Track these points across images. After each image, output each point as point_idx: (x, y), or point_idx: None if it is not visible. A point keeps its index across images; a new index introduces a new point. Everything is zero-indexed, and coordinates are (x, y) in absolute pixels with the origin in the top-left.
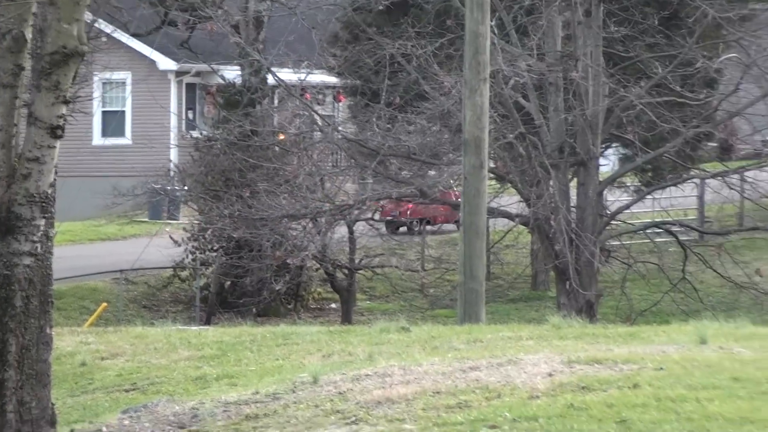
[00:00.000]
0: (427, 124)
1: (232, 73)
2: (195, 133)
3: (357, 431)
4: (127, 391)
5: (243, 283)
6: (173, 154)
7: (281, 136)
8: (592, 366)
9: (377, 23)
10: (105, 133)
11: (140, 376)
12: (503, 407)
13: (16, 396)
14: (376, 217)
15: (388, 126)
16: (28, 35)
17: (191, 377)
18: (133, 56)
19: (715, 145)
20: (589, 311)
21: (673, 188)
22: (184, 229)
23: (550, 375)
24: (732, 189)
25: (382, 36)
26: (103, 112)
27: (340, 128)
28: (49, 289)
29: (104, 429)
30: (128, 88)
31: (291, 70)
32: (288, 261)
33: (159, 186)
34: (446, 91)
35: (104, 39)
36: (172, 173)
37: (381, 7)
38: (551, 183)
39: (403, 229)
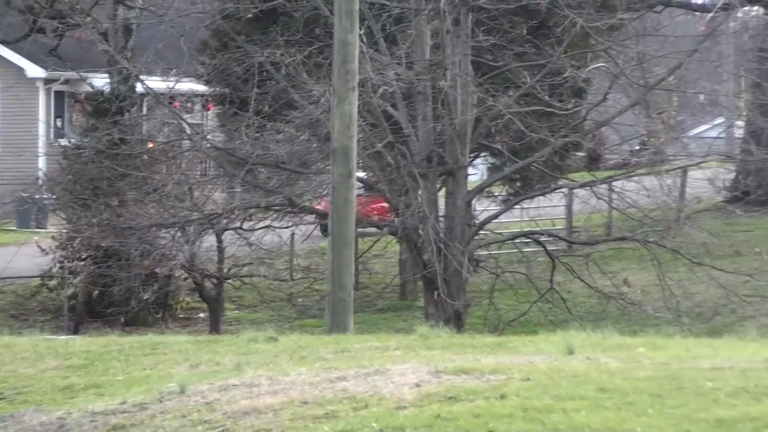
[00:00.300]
0: (296, 133)
1: (100, 81)
2: (64, 141)
3: None
4: None
5: (111, 293)
6: (42, 163)
7: (150, 145)
8: (460, 376)
9: (246, 31)
10: None
11: (7, 386)
12: (370, 417)
13: None
14: (245, 225)
15: (257, 135)
16: None
17: (59, 387)
18: (0, 64)
19: (583, 154)
20: (457, 321)
21: (541, 198)
22: (53, 237)
23: (418, 385)
24: (600, 199)
25: (251, 44)
26: None
27: (208, 137)
28: None
29: None
30: None
31: (160, 78)
32: (156, 270)
33: (27, 194)
34: (315, 99)
35: None
36: (40, 182)
37: (250, 16)
38: (419, 192)
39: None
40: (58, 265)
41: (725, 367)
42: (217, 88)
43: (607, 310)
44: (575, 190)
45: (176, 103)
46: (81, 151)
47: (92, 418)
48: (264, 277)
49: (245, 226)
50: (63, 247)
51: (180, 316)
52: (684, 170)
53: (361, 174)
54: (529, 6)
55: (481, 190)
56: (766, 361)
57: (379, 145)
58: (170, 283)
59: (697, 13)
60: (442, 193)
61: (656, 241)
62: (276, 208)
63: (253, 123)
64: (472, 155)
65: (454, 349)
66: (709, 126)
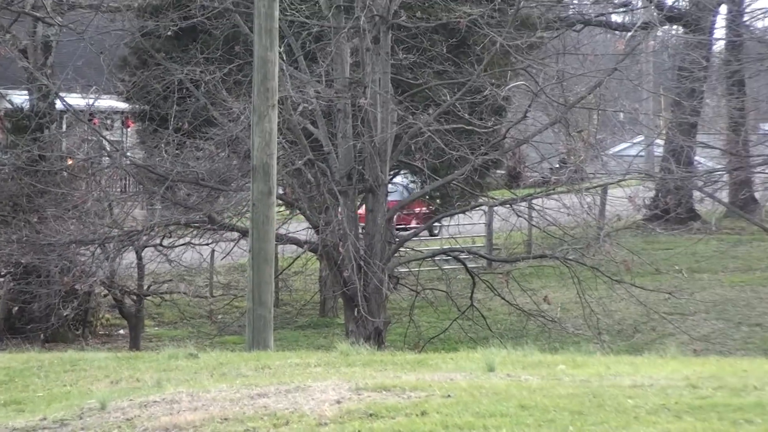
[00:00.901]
0: (216, 150)
1: (20, 97)
2: None
3: None
4: None
5: (31, 309)
6: None
7: (70, 162)
8: (380, 393)
9: (166, 49)
10: None
11: None
12: None
13: None
14: (165, 242)
15: (177, 152)
16: None
17: None
18: None
19: (503, 172)
20: (377, 338)
21: (461, 215)
22: None
23: (338, 402)
24: (520, 217)
25: (171, 61)
26: None
27: (128, 154)
28: None
29: None
30: None
31: (80, 95)
32: (76, 287)
33: None
34: (235, 117)
35: None
36: None
37: (170, 33)
38: (340, 210)
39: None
40: None
41: (646, 385)
42: (137, 105)
43: (528, 327)
44: (495, 208)
45: (96, 120)
46: (0, 167)
47: None
48: (184, 293)
49: (165, 243)
50: None
51: (100, 332)
52: (604, 188)
53: (282, 191)
54: (448, 24)
55: (401, 207)
56: (687, 379)
57: (300, 162)
58: (90, 300)
59: (617, 32)
60: (362, 210)
61: (576, 258)
62: (196, 225)
63: (173, 140)
64: (392, 173)
65: (374, 366)
66: (629, 144)
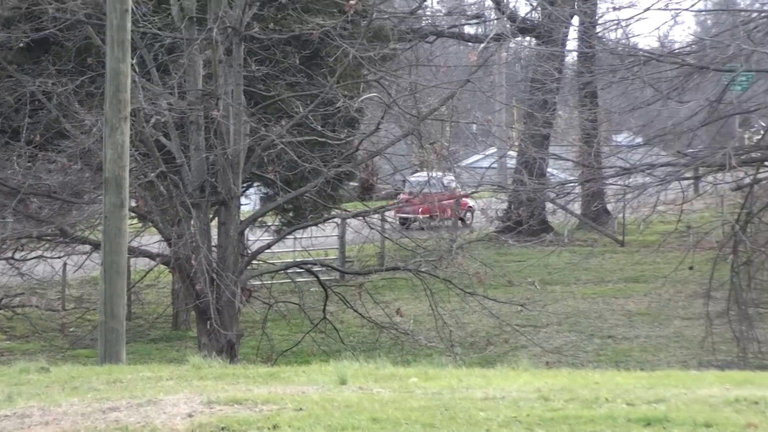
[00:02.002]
0: (69, 163)
1: None
2: None
3: None
4: None
5: None
6: None
7: None
8: (232, 406)
9: (18, 61)
10: None
11: None
12: None
13: None
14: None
15: (29, 164)
16: None
17: None
18: None
19: (356, 184)
20: (230, 351)
21: (314, 228)
22: None
23: (190, 415)
24: (373, 229)
25: (23, 73)
26: None
27: None
28: None
29: None
30: None
31: None
32: None
33: None
34: (87, 129)
35: None
36: None
37: (21, 45)
38: (192, 222)
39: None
40: None
41: (498, 397)
42: None
43: (381, 340)
44: (348, 220)
45: None
46: None
47: None
48: (36, 307)
49: (17, 256)
50: None
51: None
52: (457, 200)
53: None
54: (301, 36)
55: (254, 220)
56: (538, 391)
57: (152, 174)
58: None
59: (470, 44)
60: (215, 223)
61: (429, 271)
62: (48, 238)
63: (25, 152)
64: (245, 185)
65: (227, 379)
66: (482, 156)
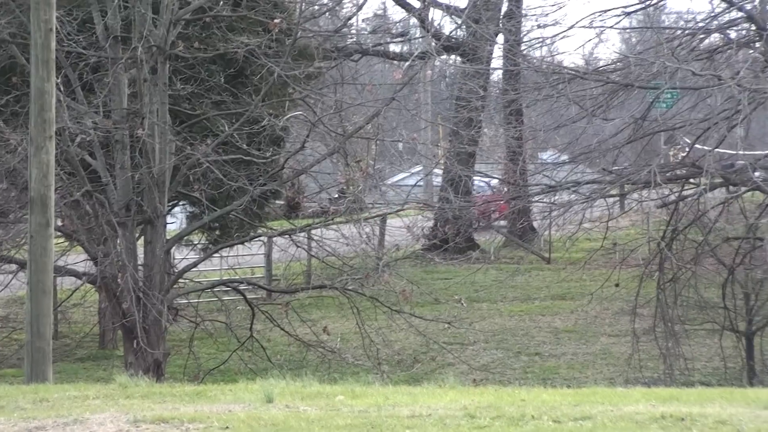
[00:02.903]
0: None
1: None
2: None
3: None
4: None
5: None
6: None
7: None
8: (159, 425)
9: None
10: None
11: None
12: None
13: None
14: None
15: None
16: None
17: None
18: None
19: (282, 203)
20: (157, 370)
21: (241, 246)
22: None
23: None
24: (299, 247)
25: None
26: None
27: None
28: None
29: None
30: None
31: None
32: None
33: None
34: (12, 148)
35: None
36: None
37: None
38: (118, 241)
39: None
40: None
41: (424, 415)
42: None
43: (307, 358)
44: (274, 239)
45: None
46: None
47: None
48: None
49: None
50: None
51: None
52: (383, 218)
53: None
54: (226, 55)
55: (180, 238)
56: (465, 409)
57: (78, 194)
58: None
59: (395, 62)
60: (141, 242)
61: (355, 289)
62: None
63: None
64: (171, 204)
65: (153, 398)
66: (408, 174)
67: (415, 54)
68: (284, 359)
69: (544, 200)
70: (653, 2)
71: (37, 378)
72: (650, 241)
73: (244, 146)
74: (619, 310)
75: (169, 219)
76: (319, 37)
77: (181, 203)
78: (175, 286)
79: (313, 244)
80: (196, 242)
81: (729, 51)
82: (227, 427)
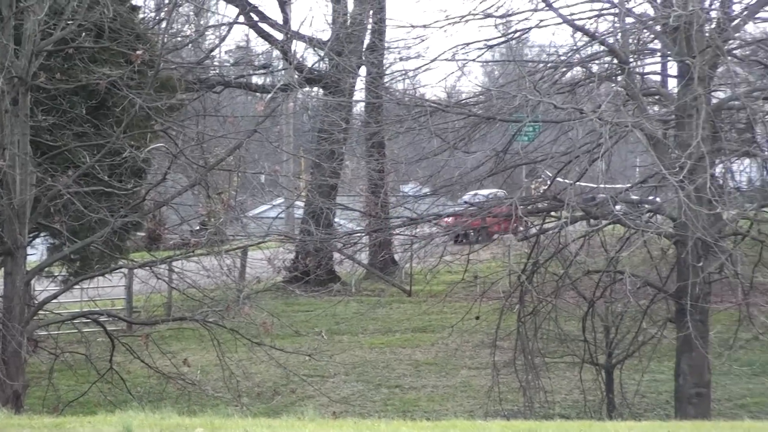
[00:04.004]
0: None
1: None
2: None
3: None
4: None
5: None
6: None
7: None
8: None
9: None
10: None
11: None
12: None
13: None
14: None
15: None
16: None
17: None
18: None
19: (143, 234)
20: (16, 402)
21: (101, 278)
22: None
23: None
24: (160, 279)
25: None
26: None
27: None
28: None
29: None
30: None
31: None
32: None
33: None
34: None
35: None
36: None
37: None
38: None
39: None
40: None
41: None
42: None
43: (167, 390)
44: (135, 270)
45: None
46: None
47: None
48: None
49: None
50: None
51: None
52: (244, 250)
53: None
54: (88, 86)
55: (40, 270)
56: None
57: None
58: None
59: (257, 94)
60: (1, 273)
61: (216, 321)
62: None
63: None
64: (31, 235)
65: (11, 430)
66: (269, 206)
67: (278, 86)
68: (144, 391)
69: (406, 233)
70: (515, 36)
71: None
72: (511, 274)
73: (106, 178)
74: (480, 342)
75: (29, 250)
76: (182, 69)
77: (41, 234)
78: (35, 318)
79: (174, 275)
80: (56, 274)
81: (591, 84)
82: None
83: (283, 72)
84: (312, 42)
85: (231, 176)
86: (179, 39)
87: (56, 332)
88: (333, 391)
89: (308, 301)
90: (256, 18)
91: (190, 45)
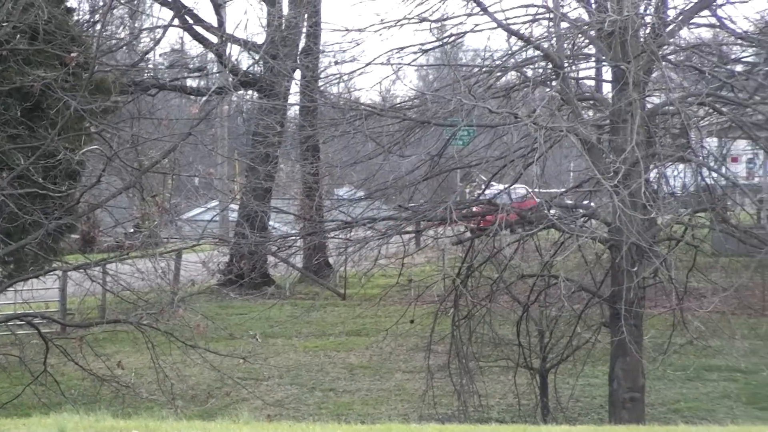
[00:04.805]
0: None
1: None
2: None
3: None
4: None
5: None
6: None
7: None
8: None
9: None
10: None
11: None
12: None
13: None
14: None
15: None
16: None
17: None
18: None
19: (78, 237)
20: None
21: (35, 280)
22: None
23: None
24: (94, 281)
25: None
26: None
27: None
28: None
29: None
30: None
31: None
32: None
33: None
34: None
35: None
36: None
37: None
38: None
39: None
40: None
41: None
42: None
43: (101, 392)
44: (69, 273)
45: None
46: None
47: None
48: None
49: None
50: None
51: None
52: (178, 253)
53: None
54: (23, 88)
55: None
56: None
57: None
58: None
59: (192, 97)
60: None
61: (150, 323)
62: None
63: None
64: None
65: None
66: (204, 209)
67: (213, 89)
68: (78, 394)
69: (340, 236)
70: (450, 40)
71: None
72: (445, 278)
73: (40, 180)
74: (414, 346)
75: None
76: (116, 71)
77: None
78: None
79: (108, 278)
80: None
81: (526, 89)
82: None
83: (217, 75)
84: (247, 45)
85: (165, 179)
86: (114, 41)
87: None
88: (267, 394)
89: (243, 304)
90: (190, 21)
91: (125, 48)
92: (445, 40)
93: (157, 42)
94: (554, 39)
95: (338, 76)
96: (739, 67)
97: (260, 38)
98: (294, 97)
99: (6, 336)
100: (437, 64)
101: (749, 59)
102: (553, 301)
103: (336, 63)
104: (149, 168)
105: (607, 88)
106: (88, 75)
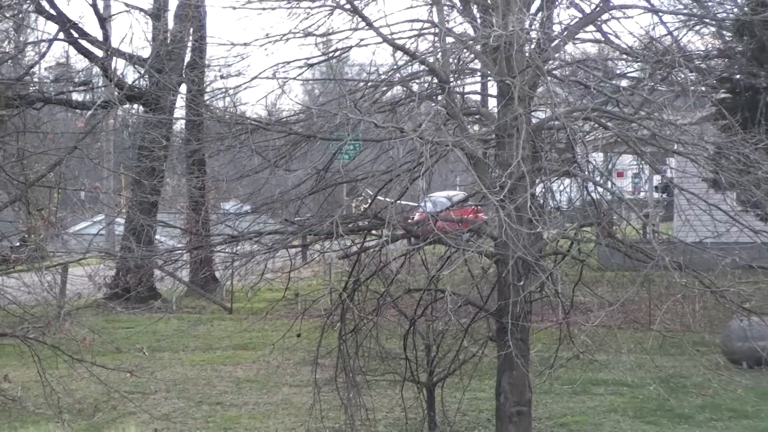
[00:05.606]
0: None
1: None
2: None
3: None
4: None
5: None
6: None
7: None
8: None
9: None
10: None
11: None
12: None
13: None
14: None
15: None
16: None
17: None
18: None
19: None
20: None
21: None
22: None
23: None
24: None
25: None
26: None
27: None
28: None
29: None
30: None
31: None
32: None
33: None
34: None
35: None
36: None
37: None
38: None
39: None
40: None
41: None
42: None
43: None
44: None
45: None
46: None
47: None
48: None
49: None
50: None
51: None
52: (65, 267)
53: None
54: None
55: None
56: None
57: None
58: None
59: (78, 110)
60: None
61: (36, 337)
62: None
63: None
64: None
65: None
66: (90, 223)
67: (98, 103)
68: None
69: (227, 250)
70: (336, 54)
71: None
72: (332, 292)
73: None
74: (301, 360)
75: None
76: (1, 85)
77: None
78: None
79: None
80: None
81: (411, 103)
82: None
83: (103, 89)
84: (132, 59)
85: (51, 192)
86: None
87: None
88: (154, 407)
89: (129, 318)
90: (76, 35)
91: (10, 61)
92: (330, 55)
93: (42, 56)
94: (439, 54)
95: (224, 90)
96: (624, 82)
97: (146, 52)
98: (180, 111)
99: None
100: (323, 79)
101: (634, 74)
102: (439, 315)
103: (221, 77)
104: (35, 181)
105: (492, 103)
106: None
